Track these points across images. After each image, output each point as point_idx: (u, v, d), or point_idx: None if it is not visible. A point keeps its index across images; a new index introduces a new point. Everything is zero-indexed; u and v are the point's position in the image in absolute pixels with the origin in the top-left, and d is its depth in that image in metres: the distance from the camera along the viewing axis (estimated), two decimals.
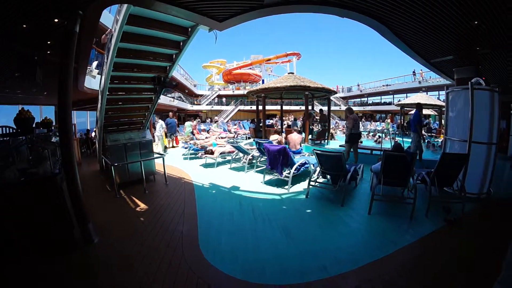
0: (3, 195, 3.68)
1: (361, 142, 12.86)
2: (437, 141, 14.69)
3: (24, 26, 4.90)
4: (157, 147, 12.87)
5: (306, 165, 7.26)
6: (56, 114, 17.52)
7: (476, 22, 5.18)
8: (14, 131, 5.21)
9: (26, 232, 3.76)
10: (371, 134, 19.34)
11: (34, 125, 5.71)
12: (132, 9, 4.79)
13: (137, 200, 6.05)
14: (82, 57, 6.71)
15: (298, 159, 7.39)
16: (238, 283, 3.07)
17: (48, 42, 5.87)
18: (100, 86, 7.47)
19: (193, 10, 4.73)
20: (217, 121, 28.86)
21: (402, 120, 22.56)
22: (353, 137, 8.82)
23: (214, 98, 42.67)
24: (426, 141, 14.71)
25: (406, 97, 30.12)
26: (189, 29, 5.93)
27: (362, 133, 20.28)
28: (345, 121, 8.83)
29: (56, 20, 4.64)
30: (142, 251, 3.79)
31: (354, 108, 42.03)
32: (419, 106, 9.34)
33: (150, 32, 5.71)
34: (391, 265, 3.39)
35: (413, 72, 32.25)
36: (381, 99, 40.77)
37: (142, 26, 5.44)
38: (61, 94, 4.12)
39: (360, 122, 29.51)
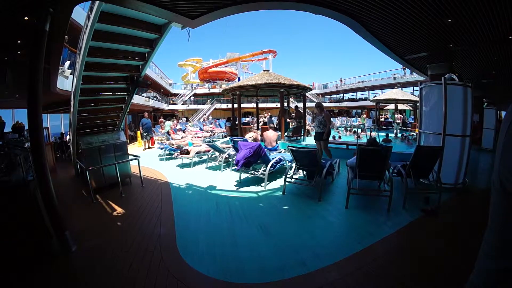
0: None
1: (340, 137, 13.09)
2: (413, 134, 15.11)
3: None
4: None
5: (282, 162, 7.27)
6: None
7: (449, 20, 5.33)
8: None
9: None
10: (347, 129, 19.63)
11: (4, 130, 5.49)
12: (104, 6, 4.69)
13: (113, 205, 5.90)
14: (53, 57, 6.48)
15: (274, 156, 7.41)
16: (218, 284, 3.04)
17: (18, 42, 5.64)
18: (72, 87, 7.23)
19: (164, 7, 4.65)
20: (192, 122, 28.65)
21: (377, 115, 23.07)
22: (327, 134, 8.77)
23: (190, 97, 42.26)
24: (401, 134, 15.16)
25: (382, 93, 30.78)
26: (162, 27, 5.84)
27: (339, 128, 20.69)
28: (317, 117, 8.71)
29: (26, 18, 4.45)
30: (121, 257, 3.70)
31: (330, 105, 42.81)
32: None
33: (122, 30, 5.59)
34: (371, 256, 3.45)
35: (403, 67, 32.95)
36: (356, 95, 41.47)
37: (114, 24, 5.31)
38: (31, 97, 3.97)
39: (336, 118, 30.13)
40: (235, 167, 7.23)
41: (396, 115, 21.26)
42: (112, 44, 5.87)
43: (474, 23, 5.37)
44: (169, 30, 5.82)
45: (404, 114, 25.07)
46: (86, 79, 6.29)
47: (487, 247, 0.88)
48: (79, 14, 9.67)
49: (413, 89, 29.07)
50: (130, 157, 7.72)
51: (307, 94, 16.27)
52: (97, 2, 4.61)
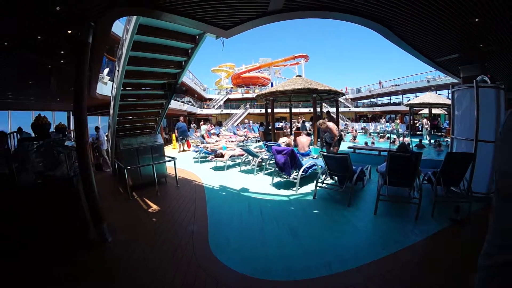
0: (24, 196, 3.92)
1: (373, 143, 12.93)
2: (447, 140, 14.62)
3: (39, 37, 5.18)
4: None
5: (314, 167, 7.35)
6: (68, 120, 17.99)
7: (476, 20, 5.22)
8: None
9: (44, 232, 4.00)
10: (380, 135, 19.27)
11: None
12: (141, 20, 5.02)
13: (149, 202, 6.24)
14: (94, 65, 6.98)
15: (306, 161, 7.50)
16: (246, 279, 3.21)
17: (62, 52, 6.14)
18: (112, 92, 7.74)
19: (199, 20, 4.91)
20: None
21: (411, 120, 22.44)
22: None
23: (224, 102, 42.90)
24: (434, 140, 14.73)
25: (415, 96, 29.89)
26: (197, 37, 6.15)
27: (372, 134, 20.34)
28: (326, 134, 8.65)
29: (69, 31, 4.90)
30: (154, 249, 3.98)
31: (363, 109, 41.96)
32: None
33: (159, 40, 5.94)
34: (395, 263, 3.47)
35: None
36: (390, 99, 40.49)
37: (152, 35, 5.66)
38: (77, 102, 4.38)
39: (369, 123, 29.54)
40: (268, 170, 7.39)
41: (423, 120, 20.58)
42: (150, 54, 6.24)
43: (503, 21, 5.22)
44: (204, 40, 6.10)
45: (439, 118, 24.24)
46: (125, 85, 6.71)
47: (487, 246, 0.96)
48: (116, 25, 10.22)
49: (448, 92, 27.91)
50: (167, 158, 8.10)
51: (340, 99, 16.15)
52: (135, 16, 4.95)
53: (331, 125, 8.59)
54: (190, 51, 6.51)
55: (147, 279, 3.25)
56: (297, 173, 6.84)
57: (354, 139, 16.81)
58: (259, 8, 4.78)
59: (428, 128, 18.94)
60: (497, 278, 0.86)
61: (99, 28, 4.59)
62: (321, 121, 8.54)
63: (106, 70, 11.57)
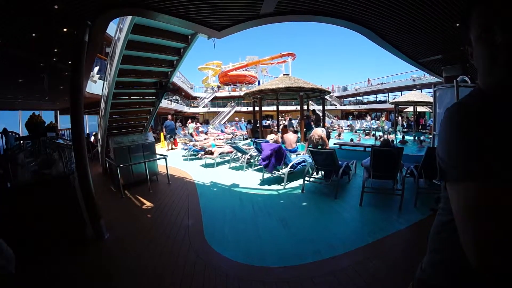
0: (22, 194, 4.02)
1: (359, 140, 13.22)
2: (430, 137, 15.03)
3: (34, 35, 5.18)
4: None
5: (303, 163, 7.53)
6: (56, 119, 17.81)
7: (457, 24, 5.54)
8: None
9: (44, 229, 4.06)
10: (365, 132, 19.68)
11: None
12: (136, 19, 5.17)
13: (142, 199, 6.36)
14: (87, 64, 7.02)
15: (295, 157, 7.77)
16: (242, 266, 3.43)
17: (55, 50, 6.13)
18: (103, 91, 7.78)
19: (193, 21, 5.07)
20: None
21: (396, 118, 22.91)
22: None
23: (211, 99, 42.85)
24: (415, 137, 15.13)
25: (401, 95, 30.45)
26: (189, 37, 6.30)
27: (358, 131, 20.72)
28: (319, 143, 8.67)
29: (65, 29, 4.91)
30: (152, 244, 4.13)
31: (349, 107, 42.38)
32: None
33: (153, 40, 6.09)
34: (381, 248, 3.76)
35: None
36: (376, 97, 41.09)
37: (145, 34, 5.81)
38: (74, 100, 4.45)
39: (356, 121, 29.95)
40: (257, 167, 7.57)
41: (397, 118, 21.02)
42: (143, 53, 6.37)
43: None
44: (196, 40, 6.28)
45: (425, 117, 24.84)
46: (117, 84, 6.78)
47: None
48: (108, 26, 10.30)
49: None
50: (158, 156, 8.22)
51: (326, 97, 16.47)
52: (130, 16, 5.09)
53: (324, 135, 8.71)
54: (182, 50, 6.67)
55: (147, 272, 3.37)
56: (285, 169, 7.08)
57: (339, 136, 17.14)
58: (251, 11, 4.97)
59: (404, 126, 19.36)
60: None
61: (96, 27, 4.65)
62: (314, 133, 8.51)
63: (96, 69, 11.49)
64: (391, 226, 4.47)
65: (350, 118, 40.14)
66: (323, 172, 6.88)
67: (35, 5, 4.03)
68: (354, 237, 4.17)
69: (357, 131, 21.15)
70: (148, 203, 6.10)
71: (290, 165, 7.06)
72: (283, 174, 7.04)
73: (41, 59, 6.71)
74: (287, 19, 5.43)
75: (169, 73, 7.41)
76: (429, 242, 1.05)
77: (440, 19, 5.41)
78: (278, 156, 7.08)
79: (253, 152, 9.19)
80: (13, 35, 5.08)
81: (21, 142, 5.80)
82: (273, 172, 7.35)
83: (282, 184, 6.91)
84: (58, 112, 18.73)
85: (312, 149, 6.37)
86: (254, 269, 3.36)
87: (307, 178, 6.58)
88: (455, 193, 0.77)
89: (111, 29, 7.62)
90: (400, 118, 21.16)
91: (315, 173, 6.99)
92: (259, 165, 7.60)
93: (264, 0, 4.49)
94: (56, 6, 4.06)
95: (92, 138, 15.04)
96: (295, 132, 10.84)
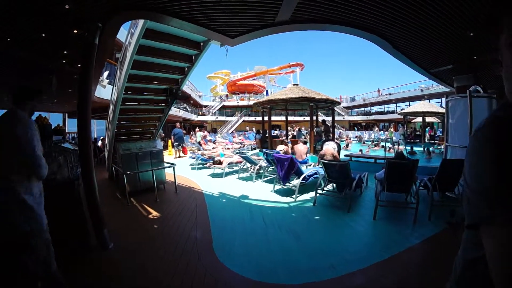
0: None
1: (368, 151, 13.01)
2: (440, 148, 14.82)
3: (44, 35, 5.11)
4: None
5: (316, 175, 7.31)
6: (64, 122, 17.86)
7: (471, 34, 5.43)
8: None
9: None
10: (374, 143, 19.47)
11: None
12: (148, 24, 5.09)
13: (149, 208, 6.21)
14: (96, 68, 6.97)
15: (307, 169, 7.61)
16: (253, 283, 3.25)
17: (65, 52, 6.08)
18: (112, 96, 7.75)
19: (207, 27, 5.01)
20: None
21: (404, 128, 22.73)
22: None
23: (219, 108, 42.95)
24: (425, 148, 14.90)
25: (409, 105, 30.23)
26: (202, 44, 6.24)
27: (366, 142, 20.56)
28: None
29: (75, 31, 4.75)
30: (158, 256, 3.96)
31: (357, 118, 42.24)
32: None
33: (164, 45, 6.02)
34: (397, 264, 3.60)
35: None
36: (384, 108, 40.89)
37: (157, 40, 5.74)
38: (81, 104, 4.32)
39: (364, 132, 29.75)
40: (267, 178, 7.43)
41: (400, 129, 20.88)
42: (155, 59, 6.30)
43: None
44: (208, 47, 6.21)
45: (435, 127, 24.65)
46: (127, 89, 6.68)
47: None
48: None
49: (441, 100, 28.19)
50: (166, 164, 8.09)
51: (334, 108, 16.41)
52: (142, 20, 5.02)
53: (336, 153, 8.51)
54: (194, 57, 6.61)
55: (153, 286, 3.24)
56: (296, 180, 6.92)
57: (347, 147, 16.97)
58: (266, 19, 4.90)
59: (404, 136, 19.32)
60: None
61: (107, 30, 4.57)
62: (326, 152, 8.22)
63: (106, 73, 11.49)
64: (406, 240, 4.33)
65: (356, 129, 39.94)
66: (334, 185, 6.69)
67: (49, 5, 3.97)
68: (369, 251, 4.02)
69: (366, 142, 20.94)
70: (155, 213, 5.95)
71: (302, 176, 6.90)
72: (294, 186, 6.87)
73: (50, 61, 6.69)
74: (301, 28, 5.36)
75: (179, 80, 7.33)
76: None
77: (454, 28, 5.28)
78: (290, 167, 6.92)
79: (263, 163, 9.05)
80: (23, 35, 5.02)
81: None
82: (288, 184, 7.18)
83: (293, 196, 6.73)
84: (67, 115, 18.77)
85: (325, 161, 6.22)
86: (266, 287, 3.19)
87: (319, 191, 6.40)
88: (490, 238, 0.64)
89: (122, 34, 7.60)
90: (401, 127, 20.95)
91: (327, 185, 6.80)
92: (270, 176, 7.45)
93: (281, 8, 4.41)
94: (67, 6, 3.98)
95: (100, 143, 15.03)
96: (305, 143, 10.73)
